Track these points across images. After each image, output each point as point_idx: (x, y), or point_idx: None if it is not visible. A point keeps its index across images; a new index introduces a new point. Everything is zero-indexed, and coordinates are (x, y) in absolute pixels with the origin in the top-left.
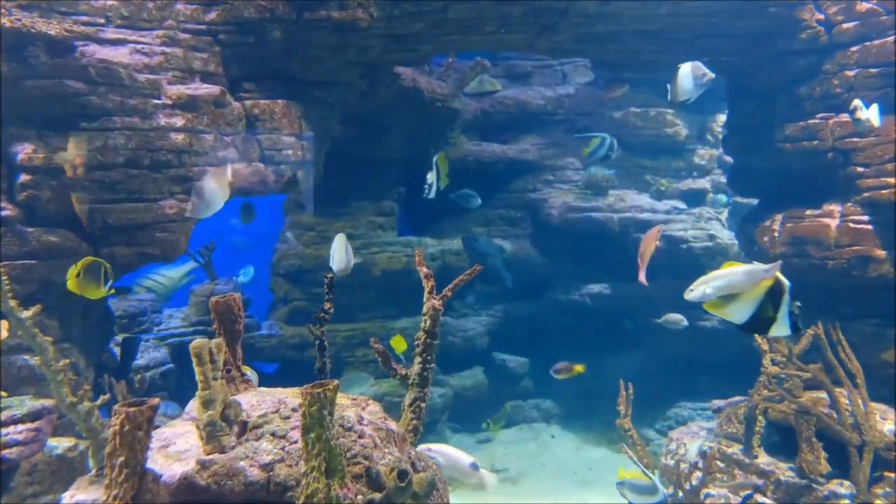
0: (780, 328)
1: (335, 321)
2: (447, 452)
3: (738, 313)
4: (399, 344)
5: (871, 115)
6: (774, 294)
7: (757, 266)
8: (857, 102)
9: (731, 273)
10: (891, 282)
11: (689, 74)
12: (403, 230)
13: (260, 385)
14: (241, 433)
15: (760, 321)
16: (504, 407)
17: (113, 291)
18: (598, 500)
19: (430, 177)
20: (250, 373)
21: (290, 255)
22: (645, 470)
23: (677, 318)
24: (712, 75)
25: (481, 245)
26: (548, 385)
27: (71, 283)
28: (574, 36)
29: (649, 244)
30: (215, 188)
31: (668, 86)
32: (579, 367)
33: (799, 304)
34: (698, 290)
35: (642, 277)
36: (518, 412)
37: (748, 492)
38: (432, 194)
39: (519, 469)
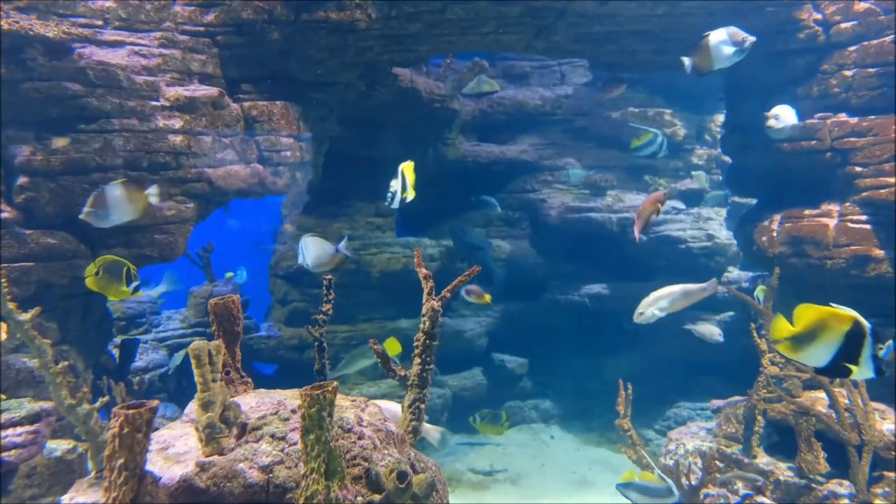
0: (864, 372)
1: (334, 322)
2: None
3: (817, 357)
4: (393, 347)
5: (787, 118)
6: (853, 337)
7: (693, 285)
8: (775, 111)
9: (670, 293)
10: (890, 281)
11: (726, 40)
12: (402, 231)
13: (257, 387)
14: (240, 435)
15: (841, 365)
16: (502, 413)
17: (140, 294)
18: (598, 500)
19: (394, 185)
20: None
21: (288, 257)
22: (660, 472)
23: (711, 331)
24: (753, 39)
25: (471, 237)
26: (547, 385)
27: (90, 282)
28: (572, 36)
29: (649, 206)
30: (121, 199)
31: (686, 59)
32: (487, 298)
33: (882, 345)
34: (648, 311)
35: (637, 234)
36: (517, 413)
37: (747, 491)
38: (395, 204)
39: (518, 469)
